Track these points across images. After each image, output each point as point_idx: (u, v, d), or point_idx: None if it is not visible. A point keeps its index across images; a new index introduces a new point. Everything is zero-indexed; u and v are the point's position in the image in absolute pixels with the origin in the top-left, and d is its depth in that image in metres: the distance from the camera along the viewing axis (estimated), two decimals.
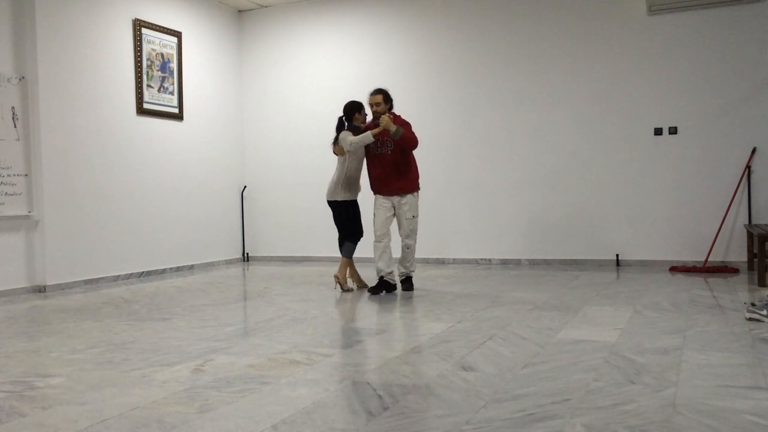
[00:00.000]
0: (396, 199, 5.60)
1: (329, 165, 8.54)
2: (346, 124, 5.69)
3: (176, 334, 4.11)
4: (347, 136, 5.53)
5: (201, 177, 8.25)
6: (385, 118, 5.38)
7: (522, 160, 7.68)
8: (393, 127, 5.37)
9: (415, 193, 5.66)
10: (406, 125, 5.55)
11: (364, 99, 5.79)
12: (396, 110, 5.74)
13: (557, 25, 7.50)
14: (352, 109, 5.71)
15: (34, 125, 6.23)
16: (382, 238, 5.60)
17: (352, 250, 5.80)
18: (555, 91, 7.52)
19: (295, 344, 3.73)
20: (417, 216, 5.66)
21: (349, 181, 5.73)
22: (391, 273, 5.60)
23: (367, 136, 5.45)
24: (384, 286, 5.59)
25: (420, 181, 5.75)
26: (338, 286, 5.80)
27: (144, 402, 2.71)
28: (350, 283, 5.87)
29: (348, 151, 5.59)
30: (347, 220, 5.78)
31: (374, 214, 5.67)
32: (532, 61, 7.62)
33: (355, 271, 5.93)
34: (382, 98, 5.57)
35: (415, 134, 5.60)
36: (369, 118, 5.77)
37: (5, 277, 6.00)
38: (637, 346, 3.49)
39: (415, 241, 5.71)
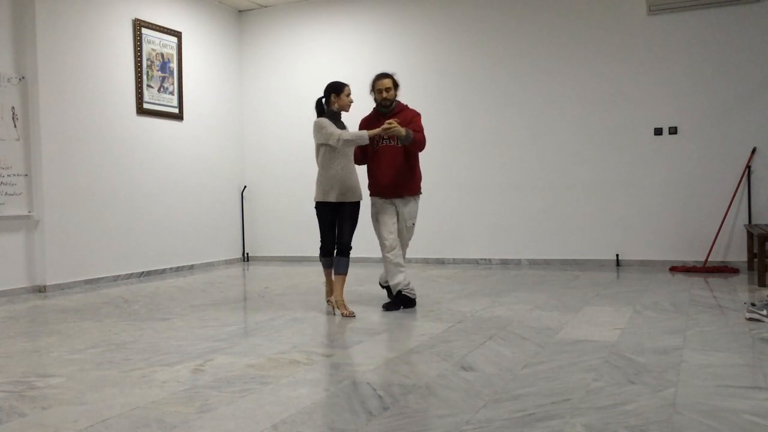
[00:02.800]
0: (397, 201, 4.91)
1: None
2: (326, 108, 4.79)
3: (176, 334, 4.11)
4: (330, 126, 4.63)
5: (201, 177, 8.25)
6: (393, 124, 4.59)
7: (522, 159, 7.68)
8: (403, 132, 4.62)
9: (418, 197, 5.00)
10: (416, 118, 4.91)
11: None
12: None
13: (557, 25, 7.50)
14: (329, 89, 4.76)
15: (34, 125, 6.23)
16: (395, 246, 4.83)
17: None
18: (555, 90, 7.52)
19: (295, 344, 3.73)
20: (415, 224, 5.01)
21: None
22: (409, 284, 4.92)
23: (363, 137, 4.61)
24: (404, 301, 4.87)
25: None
26: (337, 311, 4.71)
27: (144, 402, 2.71)
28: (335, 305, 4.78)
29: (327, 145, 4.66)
30: (353, 227, 4.78)
31: (378, 219, 4.90)
32: (532, 61, 7.62)
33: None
34: (392, 83, 4.90)
35: (423, 130, 4.92)
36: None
37: (5, 277, 6.00)
38: (637, 346, 3.49)
39: None
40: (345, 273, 4.73)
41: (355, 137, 4.62)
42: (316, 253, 8.54)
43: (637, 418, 2.37)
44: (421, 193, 5.02)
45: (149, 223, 7.44)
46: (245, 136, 9.03)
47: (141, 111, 7.34)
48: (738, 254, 6.84)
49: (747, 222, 6.79)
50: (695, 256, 6.96)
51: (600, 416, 2.41)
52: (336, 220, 4.75)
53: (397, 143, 4.82)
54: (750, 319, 4.06)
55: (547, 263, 7.56)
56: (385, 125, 4.62)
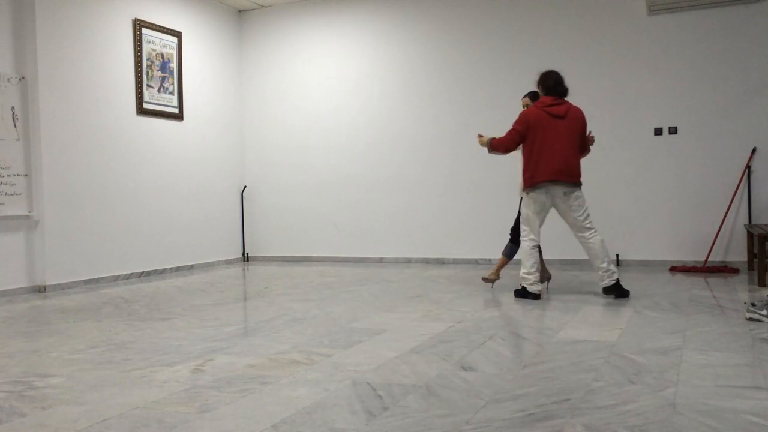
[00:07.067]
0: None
1: (329, 165, 8.60)
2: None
3: (176, 334, 4.11)
4: None
5: (201, 177, 8.25)
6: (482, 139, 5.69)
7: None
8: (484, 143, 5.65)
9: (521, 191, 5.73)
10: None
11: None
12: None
13: (557, 24, 7.50)
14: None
15: (34, 125, 6.23)
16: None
17: None
18: None
19: (295, 344, 3.73)
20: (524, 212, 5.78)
21: None
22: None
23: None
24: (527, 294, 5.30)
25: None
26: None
27: (144, 402, 2.71)
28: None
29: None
30: None
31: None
32: (532, 61, 7.61)
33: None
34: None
35: (509, 133, 5.60)
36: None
37: (5, 277, 6.00)
38: (637, 346, 3.49)
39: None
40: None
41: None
42: (316, 252, 8.67)
43: (637, 418, 2.37)
44: (524, 188, 5.65)
45: (149, 223, 7.44)
46: (245, 136, 9.03)
47: (141, 111, 7.34)
48: (738, 254, 6.84)
49: (747, 222, 6.79)
50: (695, 256, 6.96)
51: (600, 416, 2.41)
52: None
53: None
54: (750, 319, 4.06)
55: (547, 263, 7.54)
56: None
